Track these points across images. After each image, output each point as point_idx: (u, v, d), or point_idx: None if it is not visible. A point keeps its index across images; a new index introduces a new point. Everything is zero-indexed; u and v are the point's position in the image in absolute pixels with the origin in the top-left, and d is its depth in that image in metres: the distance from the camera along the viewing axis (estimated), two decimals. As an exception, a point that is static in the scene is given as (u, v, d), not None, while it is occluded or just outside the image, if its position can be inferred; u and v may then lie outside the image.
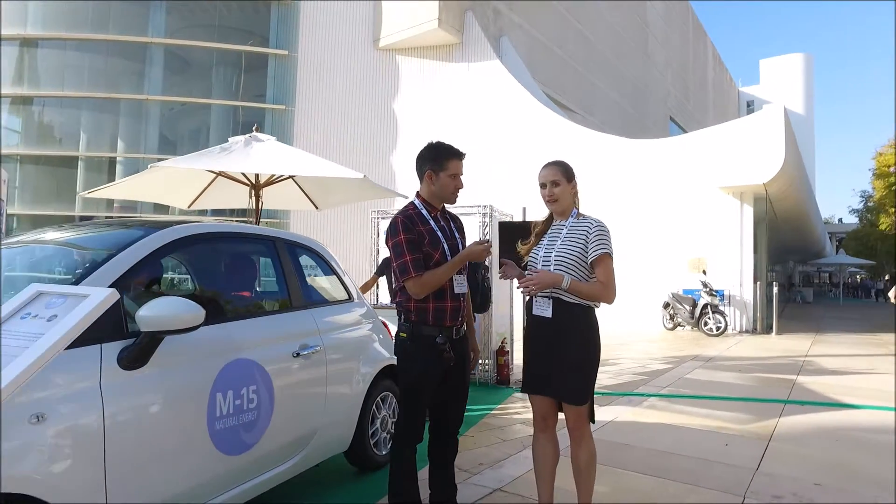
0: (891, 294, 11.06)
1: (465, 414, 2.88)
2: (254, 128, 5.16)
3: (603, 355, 2.70)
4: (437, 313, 2.62)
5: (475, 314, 2.97)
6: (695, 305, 12.15)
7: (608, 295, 2.55)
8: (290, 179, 5.64)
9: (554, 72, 20.78)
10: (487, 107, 16.19)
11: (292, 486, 3.11)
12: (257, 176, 5.26)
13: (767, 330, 12.62)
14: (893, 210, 12.63)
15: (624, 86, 26.09)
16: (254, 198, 5.21)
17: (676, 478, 3.54)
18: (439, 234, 2.67)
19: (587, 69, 23.32)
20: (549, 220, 2.80)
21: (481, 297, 2.86)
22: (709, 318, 11.75)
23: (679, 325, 12.59)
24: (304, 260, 3.38)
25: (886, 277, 40.84)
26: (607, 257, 2.54)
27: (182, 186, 5.64)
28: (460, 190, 2.76)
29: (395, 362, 3.92)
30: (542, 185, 2.71)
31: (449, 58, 17.11)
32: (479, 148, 15.44)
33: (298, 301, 3.04)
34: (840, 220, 42.91)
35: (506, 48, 18.00)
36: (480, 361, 6.24)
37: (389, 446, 2.62)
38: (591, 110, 22.98)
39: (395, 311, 2.73)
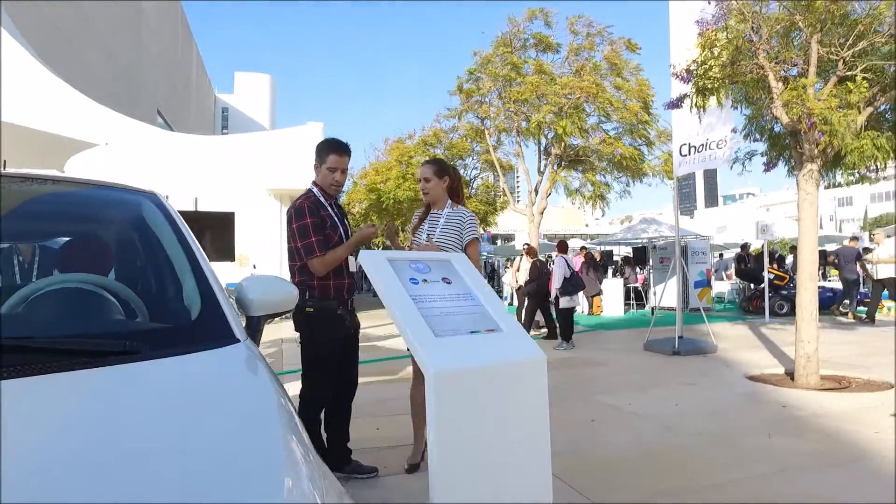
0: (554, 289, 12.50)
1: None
2: None
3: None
4: (337, 289, 3.01)
5: None
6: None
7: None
8: None
9: (41, 32, 17.27)
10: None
11: None
12: None
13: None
14: None
15: (115, 68, 23.78)
16: None
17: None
18: (336, 219, 3.06)
19: (80, 40, 20.31)
20: (427, 209, 3.41)
21: None
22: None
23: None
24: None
25: None
26: (477, 240, 3.25)
27: None
28: (341, 183, 3.09)
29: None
30: (418, 181, 3.40)
31: None
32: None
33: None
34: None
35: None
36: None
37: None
38: (79, 85, 20.03)
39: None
